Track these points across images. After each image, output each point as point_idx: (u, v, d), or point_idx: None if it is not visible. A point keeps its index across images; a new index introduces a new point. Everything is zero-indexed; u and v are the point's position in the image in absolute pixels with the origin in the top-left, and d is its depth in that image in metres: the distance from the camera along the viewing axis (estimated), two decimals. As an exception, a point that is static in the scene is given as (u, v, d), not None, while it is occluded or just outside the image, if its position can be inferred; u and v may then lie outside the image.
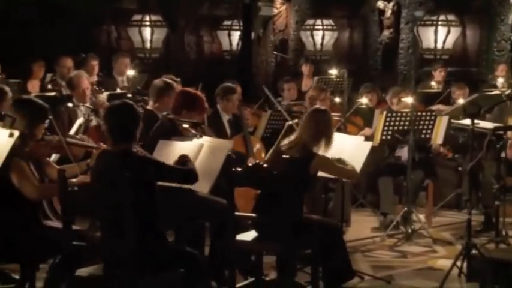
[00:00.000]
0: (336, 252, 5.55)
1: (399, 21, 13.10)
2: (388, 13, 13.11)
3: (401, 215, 7.71)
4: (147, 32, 12.74)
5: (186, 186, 5.13)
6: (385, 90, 9.69)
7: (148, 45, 12.77)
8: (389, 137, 7.74)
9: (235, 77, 10.57)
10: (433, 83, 11.00)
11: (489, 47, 12.73)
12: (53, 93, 8.12)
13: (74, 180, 5.05)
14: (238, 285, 5.57)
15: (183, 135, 5.78)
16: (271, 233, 5.40)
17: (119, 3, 13.01)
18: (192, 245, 5.35)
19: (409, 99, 7.87)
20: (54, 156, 5.73)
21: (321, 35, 13.51)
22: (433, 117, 7.90)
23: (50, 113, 5.36)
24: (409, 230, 7.55)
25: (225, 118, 7.75)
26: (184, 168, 4.84)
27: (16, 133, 4.90)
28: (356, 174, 5.88)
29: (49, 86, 9.04)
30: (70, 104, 7.41)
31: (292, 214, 5.43)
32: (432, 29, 12.69)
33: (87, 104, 7.48)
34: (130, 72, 9.93)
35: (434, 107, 9.17)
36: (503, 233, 7.25)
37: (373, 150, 6.58)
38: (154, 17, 12.84)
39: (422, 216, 8.05)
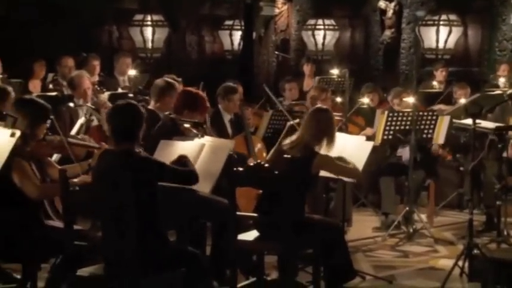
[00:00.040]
0: (338, 252, 5.55)
1: (401, 21, 13.10)
2: (390, 13, 13.11)
3: (402, 215, 7.71)
4: (148, 31, 12.73)
5: (187, 186, 5.13)
6: (386, 90, 9.69)
7: (149, 45, 12.76)
8: (390, 137, 7.74)
9: (237, 77, 10.57)
10: (434, 83, 11.00)
11: (491, 47, 12.72)
12: (54, 93, 8.12)
13: (75, 180, 5.05)
14: (239, 285, 5.57)
15: (184, 135, 5.78)
16: (272, 233, 5.39)
17: (121, 3, 13.00)
18: (193, 244, 5.35)
19: (410, 99, 7.87)
20: (55, 156, 5.73)
21: (323, 35, 13.50)
22: (434, 117, 7.90)
23: (52, 113, 5.37)
24: (411, 230, 7.55)
25: (227, 118, 7.75)
26: (185, 170, 4.85)
27: (18, 133, 4.91)
28: (358, 173, 5.86)
29: (50, 86, 9.05)
30: (71, 104, 7.42)
31: (294, 214, 5.43)
32: (434, 28, 12.68)
33: (89, 104, 7.48)
34: (132, 72, 9.93)
35: (436, 107, 9.16)
36: (505, 232, 7.25)
37: (374, 150, 6.58)
38: (155, 17, 12.83)
39: (423, 216, 8.04)
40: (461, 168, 8.82)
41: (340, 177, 6.03)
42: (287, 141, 5.68)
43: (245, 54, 13.58)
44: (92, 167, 5.01)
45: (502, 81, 10.70)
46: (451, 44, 12.74)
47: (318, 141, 5.60)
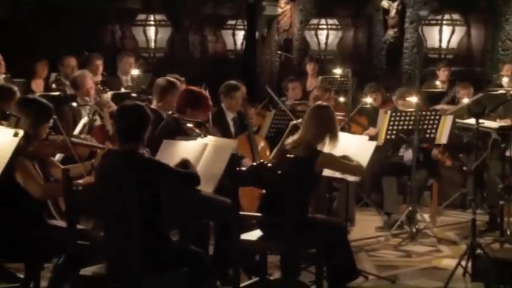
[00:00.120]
0: (340, 252, 5.55)
1: (404, 21, 13.08)
2: (393, 12, 13.10)
3: (405, 215, 7.70)
4: (151, 31, 12.73)
5: (189, 187, 5.13)
6: (389, 89, 9.68)
7: (152, 44, 12.76)
8: (393, 137, 7.73)
9: (240, 77, 10.55)
10: (437, 83, 10.98)
11: (494, 47, 12.69)
12: (57, 93, 8.13)
13: (80, 181, 5.05)
14: (242, 285, 5.56)
15: (187, 135, 5.78)
16: (275, 233, 5.38)
17: (123, 2, 13.00)
18: (196, 244, 5.34)
19: (413, 99, 7.86)
20: (58, 156, 5.73)
21: (326, 35, 13.48)
22: (437, 117, 7.89)
23: (55, 112, 5.37)
24: (414, 230, 7.55)
25: (230, 116, 7.75)
26: (188, 172, 4.86)
27: (21, 132, 4.91)
28: (362, 170, 5.83)
29: (53, 86, 9.04)
30: (74, 104, 7.42)
31: (297, 213, 5.41)
32: (437, 28, 12.65)
33: (92, 104, 7.47)
34: (135, 72, 9.94)
35: (439, 107, 9.15)
36: (508, 232, 7.24)
37: (377, 149, 6.58)
38: (158, 17, 12.84)
39: (426, 216, 8.04)
40: (464, 168, 8.81)
41: (345, 175, 6.01)
42: (290, 140, 5.68)
43: (248, 54, 13.57)
44: (95, 166, 5.01)
45: (505, 80, 10.67)
46: (454, 43, 12.71)
47: (320, 139, 5.59)
